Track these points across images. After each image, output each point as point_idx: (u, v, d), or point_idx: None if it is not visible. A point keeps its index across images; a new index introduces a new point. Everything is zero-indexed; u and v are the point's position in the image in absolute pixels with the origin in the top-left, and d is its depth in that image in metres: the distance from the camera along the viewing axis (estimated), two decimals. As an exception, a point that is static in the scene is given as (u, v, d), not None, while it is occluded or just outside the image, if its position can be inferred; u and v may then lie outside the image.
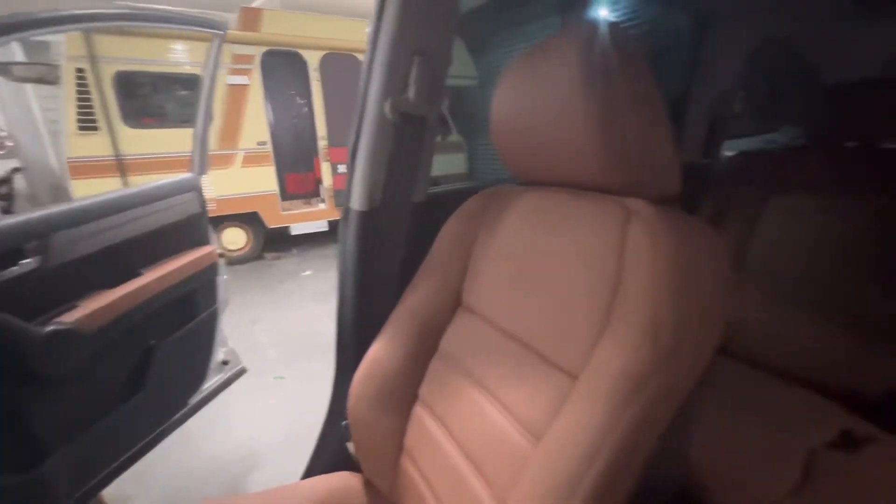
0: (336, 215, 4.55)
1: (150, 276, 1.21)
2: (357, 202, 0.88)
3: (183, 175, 1.40)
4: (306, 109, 4.55)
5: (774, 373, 1.05)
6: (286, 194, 4.56)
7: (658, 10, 1.23)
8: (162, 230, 1.28)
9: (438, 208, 0.86)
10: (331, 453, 1.01)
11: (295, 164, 4.62)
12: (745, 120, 1.38)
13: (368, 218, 0.88)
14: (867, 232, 0.99)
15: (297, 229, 4.60)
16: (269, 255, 4.56)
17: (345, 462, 0.89)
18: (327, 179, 4.63)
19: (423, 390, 0.80)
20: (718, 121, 1.22)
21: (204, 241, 1.44)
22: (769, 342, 1.07)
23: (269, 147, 4.25)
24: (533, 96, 0.60)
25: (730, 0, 1.08)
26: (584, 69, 0.52)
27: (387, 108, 0.80)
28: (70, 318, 1.01)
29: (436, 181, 1.04)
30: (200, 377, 1.49)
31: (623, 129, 0.53)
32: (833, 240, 1.04)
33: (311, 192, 4.73)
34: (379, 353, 0.81)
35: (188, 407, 1.43)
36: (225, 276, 1.56)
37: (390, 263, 0.91)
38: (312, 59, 4.35)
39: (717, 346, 0.52)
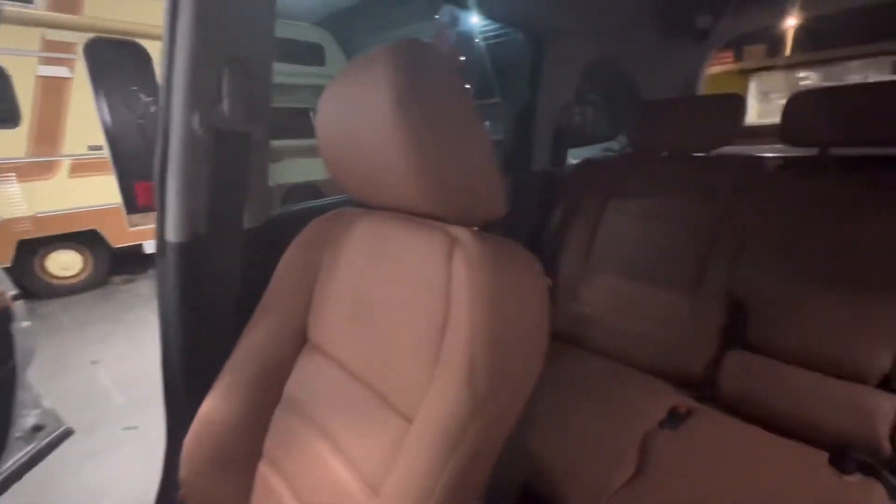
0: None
1: None
2: (173, 233, 0.74)
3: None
4: (154, 108, 3.94)
5: (617, 359, 1.17)
6: (135, 206, 3.90)
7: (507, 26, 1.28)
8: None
9: (282, 233, 0.77)
10: None
11: (145, 171, 3.98)
12: (585, 131, 1.53)
13: (189, 250, 0.75)
14: (681, 231, 1.14)
15: (152, 247, 3.98)
16: (117, 279, 3.88)
17: None
18: (187, 188, 4.09)
19: (268, 445, 0.70)
20: (563, 131, 1.31)
21: (-13, 284, 1.13)
22: (610, 331, 1.19)
23: (106, 152, 3.59)
24: (353, 115, 0.55)
25: (565, 19, 1.16)
26: (397, 90, 0.48)
27: (195, 123, 0.68)
28: None
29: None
30: (-6, 454, 1.17)
31: (441, 155, 0.50)
32: (654, 237, 1.18)
33: (168, 202, 4.12)
34: (214, 407, 0.70)
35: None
36: (26, 323, 1.25)
37: (223, 301, 0.79)
38: (157, 50, 3.78)
39: (539, 370, 0.53)
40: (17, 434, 1.27)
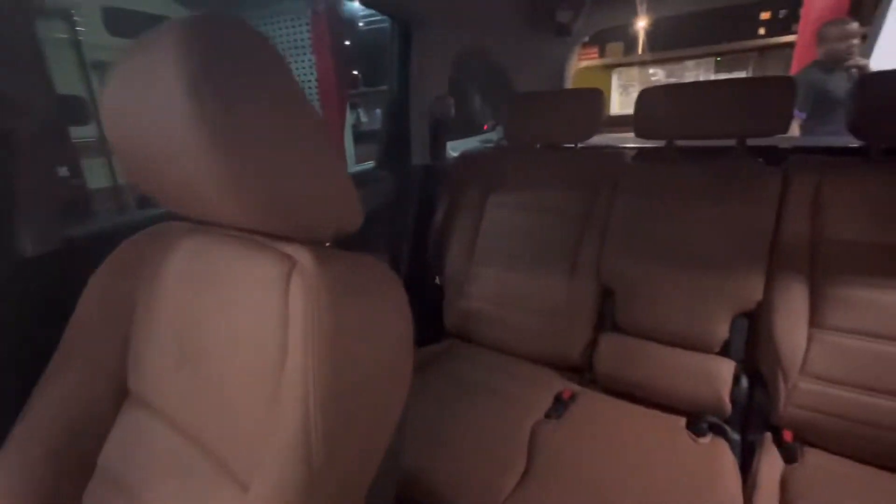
0: None
1: None
2: None
3: None
4: None
5: (506, 352, 1.18)
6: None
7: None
8: None
9: (86, 259, 0.59)
10: None
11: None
12: (462, 123, 1.52)
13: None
14: (556, 221, 1.18)
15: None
16: None
17: None
18: None
19: None
20: (439, 123, 1.27)
21: None
22: (497, 324, 1.19)
23: None
24: (143, 108, 0.41)
25: (430, 5, 1.10)
26: (189, 80, 0.36)
27: None
28: None
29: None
30: None
31: (261, 160, 0.40)
32: (533, 228, 1.20)
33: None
34: None
35: None
36: None
37: None
38: None
39: (402, 405, 0.47)
40: None
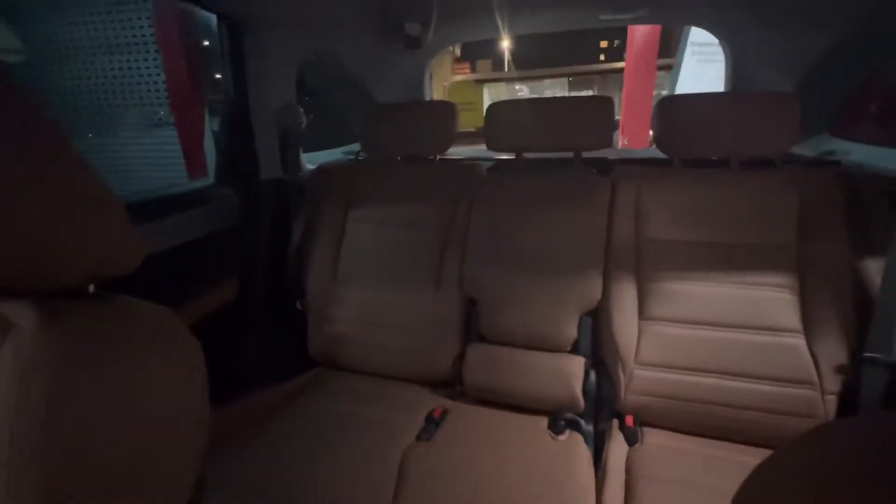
0: None
1: None
2: None
3: None
4: None
5: (376, 374, 1.12)
6: None
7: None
8: None
9: None
10: None
11: None
12: (317, 133, 1.44)
13: None
14: (418, 234, 1.15)
15: None
16: None
17: None
18: None
19: None
20: (289, 135, 1.16)
21: None
22: (365, 346, 1.13)
23: None
24: None
25: (266, 9, 1.00)
26: None
27: None
28: None
29: None
30: None
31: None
32: (396, 243, 1.17)
33: None
34: None
35: None
36: None
37: None
38: None
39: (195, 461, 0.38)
40: None
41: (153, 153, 1.98)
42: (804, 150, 1.27)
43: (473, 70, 6.90)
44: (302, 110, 1.15)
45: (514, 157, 1.20)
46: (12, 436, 0.29)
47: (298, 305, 1.19)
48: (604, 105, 1.08)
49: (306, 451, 0.87)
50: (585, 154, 1.15)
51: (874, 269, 0.87)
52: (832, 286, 0.88)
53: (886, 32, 0.94)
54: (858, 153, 1.14)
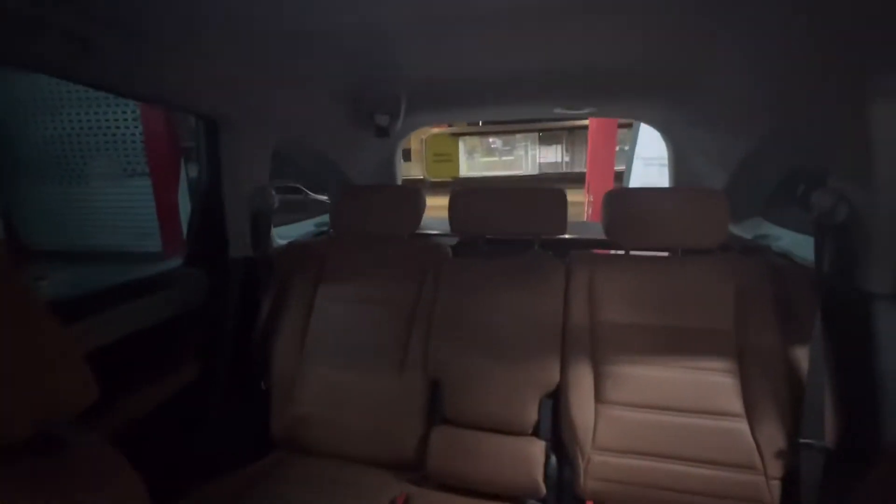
0: None
1: None
2: None
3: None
4: None
5: (340, 457, 1.10)
6: None
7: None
8: None
9: None
10: None
11: None
12: (289, 213, 1.49)
13: None
14: (385, 313, 1.18)
15: None
16: None
17: None
18: None
19: None
20: (260, 215, 1.20)
21: None
22: (329, 429, 1.12)
23: None
24: None
25: (242, 110, 1.07)
26: None
27: None
28: None
29: None
30: None
31: None
32: (363, 321, 1.19)
33: None
34: None
35: None
36: None
37: None
38: None
39: None
40: None
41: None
42: (742, 231, 1.39)
43: (450, 124, 7.21)
44: (274, 192, 1.19)
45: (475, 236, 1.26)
46: None
47: (262, 386, 1.18)
48: (558, 197, 1.17)
49: None
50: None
51: (803, 355, 0.94)
52: (768, 371, 0.94)
53: (796, 139, 1.07)
54: (786, 238, 1.26)
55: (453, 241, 1.33)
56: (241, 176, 1.14)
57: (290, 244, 1.32)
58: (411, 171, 7.15)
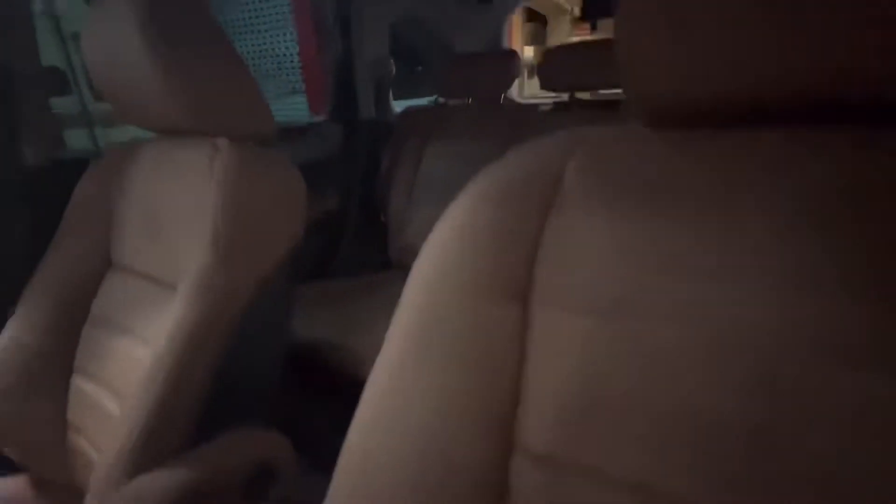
0: None
1: None
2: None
3: None
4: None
5: None
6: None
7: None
8: None
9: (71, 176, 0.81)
10: None
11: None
12: (407, 83, 1.71)
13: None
14: (475, 169, 1.38)
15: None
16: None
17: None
18: None
19: (79, 360, 0.77)
20: (381, 82, 1.47)
21: None
22: None
23: None
24: (110, 44, 0.63)
25: None
26: (140, 18, 0.57)
27: None
28: None
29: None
30: None
31: (192, 73, 0.61)
32: (460, 177, 1.40)
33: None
34: (15, 333, 0.75)
35: None
36: None
37: (9, 232, 0.82)
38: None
39: (277, 261, 0.68)
40: None
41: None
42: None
43: (594, 29, 6.56)
44: (392, 62, 1.44)
45: (567, 100, 1.33)
46: (216, 232, 0.60)
47: (382, 218, 1.52)
48: None
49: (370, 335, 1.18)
50: None
51: None
52: None
53: None
54: None
55: (546, 108, 1.41)
56: (366, 49, 1.40)
57: (405, 110, 1.57)
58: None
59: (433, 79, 1.87)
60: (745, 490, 0.25)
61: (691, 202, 0.30)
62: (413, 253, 0.42)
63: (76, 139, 2.45)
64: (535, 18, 6.51)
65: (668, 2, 0.29)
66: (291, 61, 4.00)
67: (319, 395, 1.14)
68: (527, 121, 1.34)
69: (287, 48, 4.01)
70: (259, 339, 0.68)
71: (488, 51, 1.82)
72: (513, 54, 1.35)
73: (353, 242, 1.52)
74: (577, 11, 6.25)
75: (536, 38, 6.56)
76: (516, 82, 1.91)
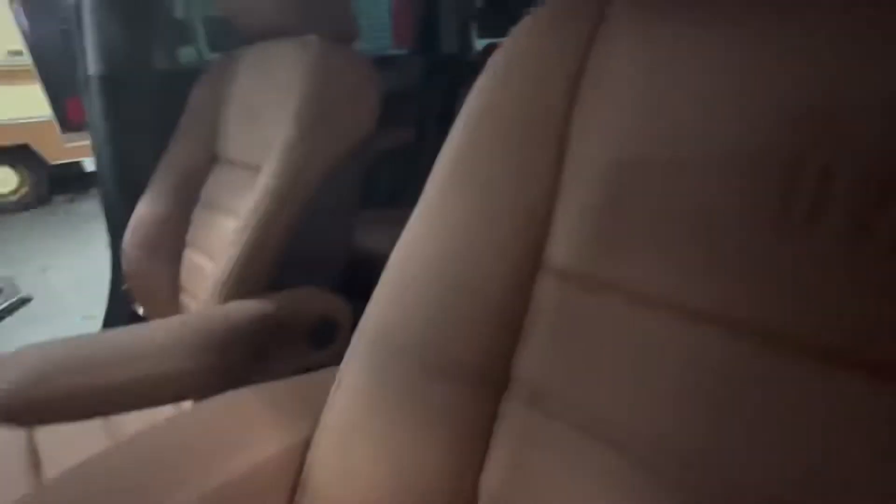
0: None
1: None
2: (93, 67, 0.88)
3: None
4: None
5: None
6: (67, 124, 3.75)
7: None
8: None
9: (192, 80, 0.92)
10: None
11: (76, 86, 3.77)
12: (489, 18, 1.67)
13: (108, 83, 0.89)
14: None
15: (93, 164, 3.88)
16: (59, 199, 3.82)
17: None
18: (124, 103, 3.92)
19: (190, 235, 0.90)
20: (466, 20, 1.46)
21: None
22: None
23: (26, 58, 3.38)
24: None
25: None
26: None
27: None
28: None
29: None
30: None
31: None
32: None
33: (104, 120, 3.98)
34: (144, 211, 0.88)
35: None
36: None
37: (141, 128, 0.95)
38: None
39: (350, 145, 0.73)
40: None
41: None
42: None
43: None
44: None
45: None
46: (300, 111, 0.66)
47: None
48: None
49: None
50: None
51: None
52: None
53: None
54: None
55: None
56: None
57: (487, 46, 1.55)
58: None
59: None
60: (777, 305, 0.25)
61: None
62: None
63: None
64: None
65: None
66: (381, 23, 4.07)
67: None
68: None
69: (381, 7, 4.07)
70: (330, 215, 0.75)
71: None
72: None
73: (424, 177, 1.57)
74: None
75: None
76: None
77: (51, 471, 0.53)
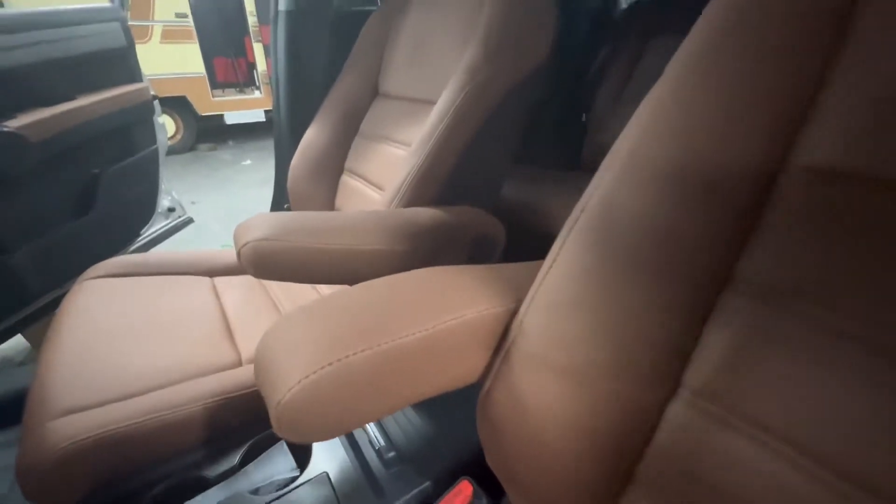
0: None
1: (85, 101, 1.25)
2: (283, 3, 0.99)
3: (102, 3, 1.37)
4: (230, -22, 4.11)
5: None
6: (215, 82, 4.26)
7: None
8: (87, 57, 1.28)
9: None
10: None
11: (223, 47, 4.27)
12: None
13: (292, 18, 0.99)
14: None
15: (231, 118, 4.40)
16: (202, 147, 4.39)
17: None
18: (261, 64, 4.36)
19: (348, 163, 0.99)
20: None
21: (136, 78, 1.46)
22: None
23: (189, 21, 3.88)
24: None
25: None
26: None
27: None
28: (13, 124, 1.06)
29: None
30: (148, 212, 1.59)
31: None
32: None
33: (243, 80, 4.45)
34: (311, 137, 0.98)
35: (138, 243, 1.55)
36: (160, 119, 1.61)
37: (316, 61, 1.05)
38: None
39: (526, 72, 0.73)
40: (158, 210, 1.69)
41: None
42: None
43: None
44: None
45: None
46: (488, 32, 0.68)
47: (583, 118, 1.49)
48: None
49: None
50: None
51: None
52: None
53: None
54: None
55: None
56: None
57: (635, 2, 1.46)
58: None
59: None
60: None
61: None
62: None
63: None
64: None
65: None
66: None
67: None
68: None
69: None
70: (496, 142, 0.77)
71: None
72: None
73: (548, 136, 1.54)
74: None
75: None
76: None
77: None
